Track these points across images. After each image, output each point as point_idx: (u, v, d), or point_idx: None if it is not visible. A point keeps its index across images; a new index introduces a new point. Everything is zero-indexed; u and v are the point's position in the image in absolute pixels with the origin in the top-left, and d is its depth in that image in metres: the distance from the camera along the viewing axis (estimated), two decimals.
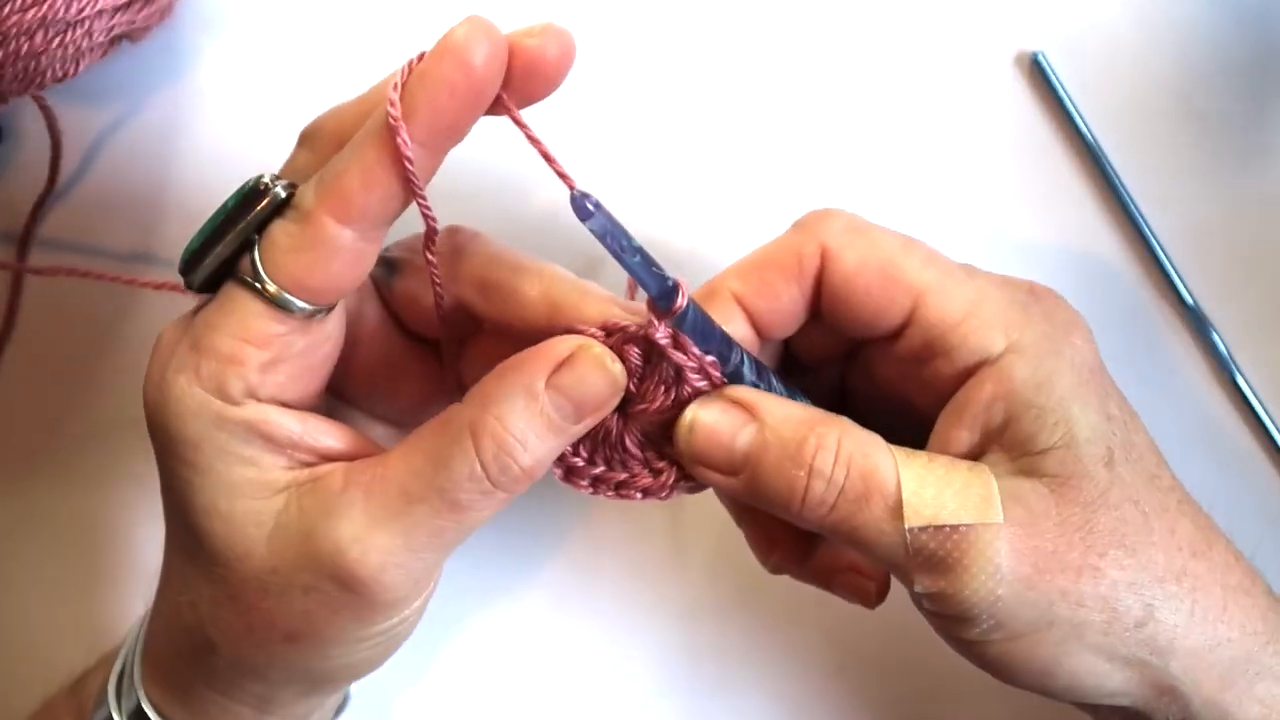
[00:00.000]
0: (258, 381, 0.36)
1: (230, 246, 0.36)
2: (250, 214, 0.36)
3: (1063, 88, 0.49)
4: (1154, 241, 0.49)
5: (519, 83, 0.34)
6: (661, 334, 0.36)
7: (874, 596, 0.40)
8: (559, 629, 0.52)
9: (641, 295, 0.36)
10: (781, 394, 0.38)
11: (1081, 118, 0.49)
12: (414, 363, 0.43)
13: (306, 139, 0.37)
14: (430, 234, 0.36)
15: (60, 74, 0.45)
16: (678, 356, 0.36)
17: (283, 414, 0.36)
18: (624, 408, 0.38)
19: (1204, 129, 0.49)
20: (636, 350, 0.36)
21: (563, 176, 0.35)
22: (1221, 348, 0.49)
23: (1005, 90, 0.50)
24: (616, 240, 0.33)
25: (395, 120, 0.33)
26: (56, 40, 0.43)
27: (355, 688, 0.48)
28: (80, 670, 0.45)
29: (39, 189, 0.51)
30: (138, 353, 0.52)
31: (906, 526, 0.35)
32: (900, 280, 0.37)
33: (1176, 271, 0.49)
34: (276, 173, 0.37)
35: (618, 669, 0.51)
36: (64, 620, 0.52)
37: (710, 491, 0.44)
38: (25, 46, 0.43)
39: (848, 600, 0.40)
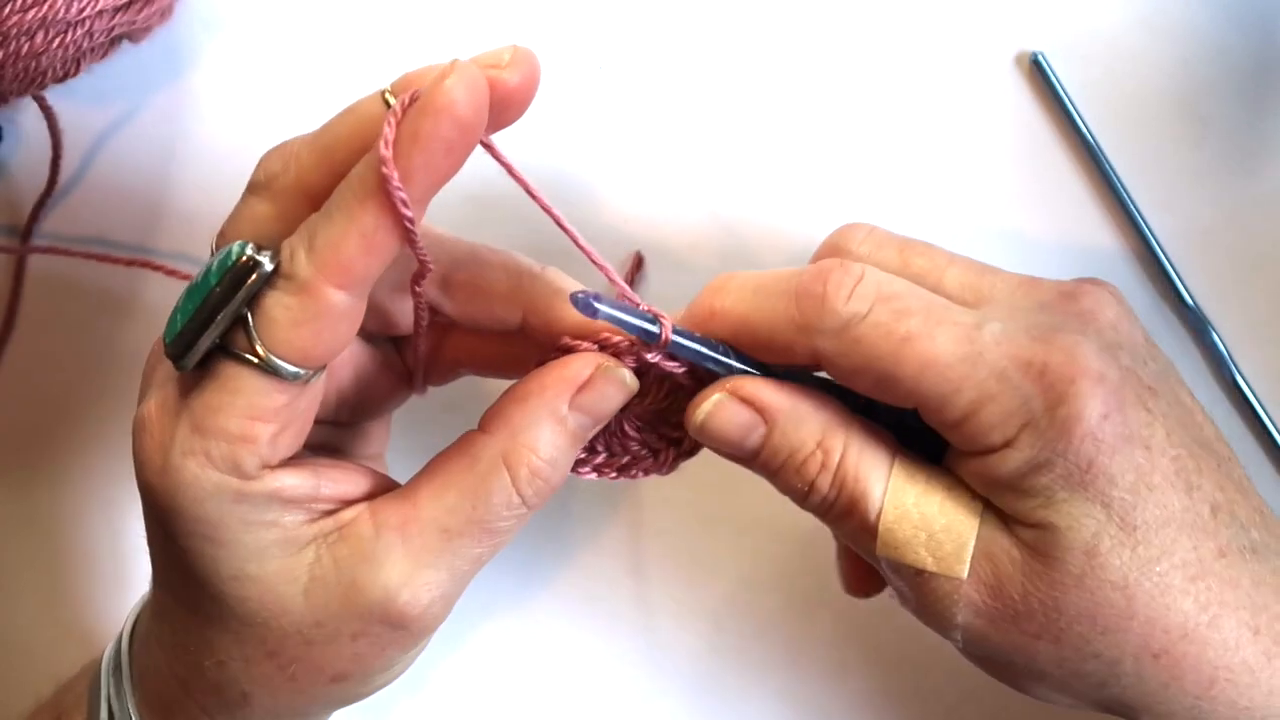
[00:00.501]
0: (269, 453, 0.36)
1: (222, 327, 0.34)
2: (240, 291, 0.34)
3: (1063, 88, 0.49)
4: (1154, 242, 0.49)
5: (496, 116, 0.34)
6: (653, 356, 0.37)
7: None
8: (558, 629, 0.52)
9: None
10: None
11: (1081, 118, 0.49)
12: (375, 365, 0.43)
13: (261, 188, 0.36)
14: (422, 271, 0.36)
15: (60, 74, 0.45)
16: (671, 366, 0.38)
17: (297, 475, 0.37)
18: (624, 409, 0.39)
19: (1204, 129, 0.49)
20: (632, 357, 0.38)
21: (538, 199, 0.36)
22: (1221, 348, 0.49)
23: (1005, 90, 0.50)
24: (612, 315, 0.35)
25: (396, 186, 0.32)
26: (57, 40, 0.43)
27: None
28: (60, 679, 0.45)
29: (39, 189, 0.51)
30: (138, 353, 0.52)
31: (877, 554, 0.36)
32: (894, 393, 0.36)
33: (1176, 271, 0.49)
34: (229, 224, 0.37)
35: (617, 670, 0.51)
36: (60, 620, 0.52)
37: (713, 494, 0.44)
38: (26, 46, 0.43)
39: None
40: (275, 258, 0.34)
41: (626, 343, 0.37)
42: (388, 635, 0.37)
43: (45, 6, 0.42)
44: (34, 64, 0.44)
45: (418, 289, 0.37)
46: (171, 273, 0.51)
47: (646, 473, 0.41)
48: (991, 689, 0.51)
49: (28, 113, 0.51)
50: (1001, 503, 0.36)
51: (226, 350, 0.35)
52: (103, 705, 0.41)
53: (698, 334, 0.38)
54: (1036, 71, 0.49)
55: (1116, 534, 0.35)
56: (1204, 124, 0.49)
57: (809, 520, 0.43)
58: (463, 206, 0.48)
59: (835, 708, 0.51)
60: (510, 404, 0.37)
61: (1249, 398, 0.49)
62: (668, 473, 0.41)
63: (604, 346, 0.38)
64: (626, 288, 0.37)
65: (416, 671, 0.51)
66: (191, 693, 0.40)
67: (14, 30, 0.42)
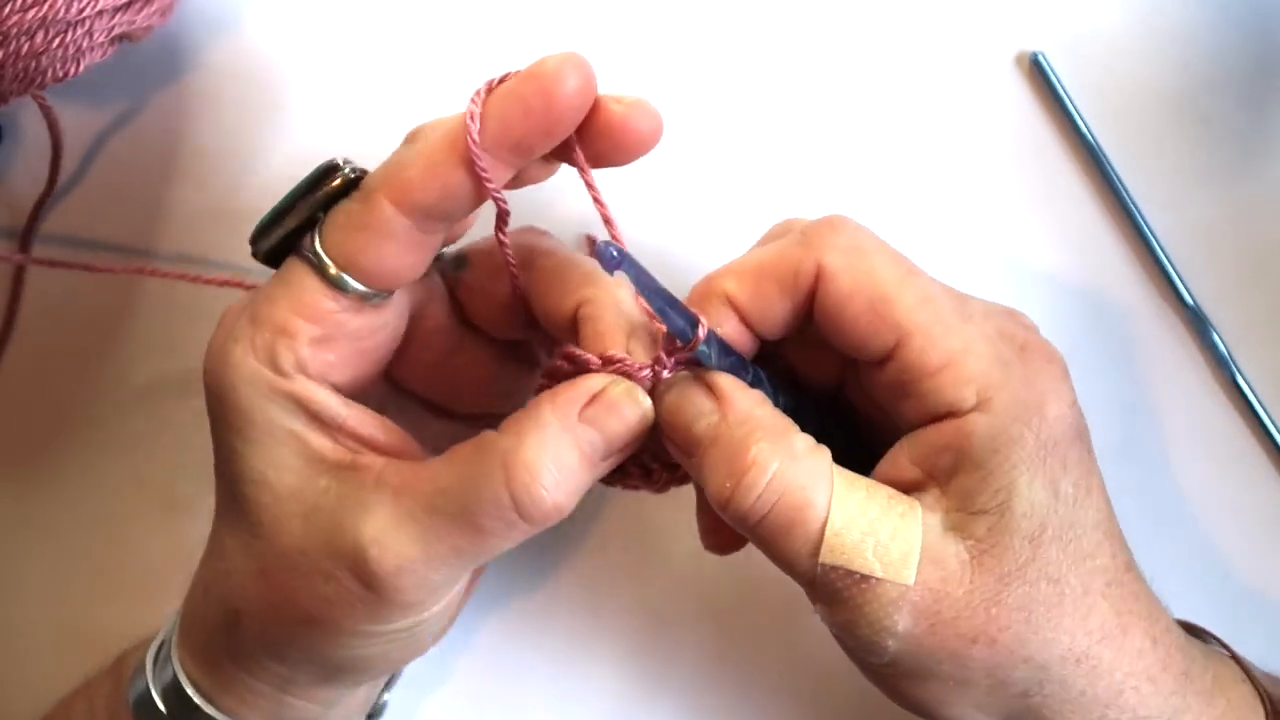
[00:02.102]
0: (308, 356, 0.37)
1: (295, 220, 0.37)
2: (318, 192, 0.37)
3: (1063, 88, 0.49)
4: (1154, 241, 0.49)
5: (594, 139, 0.36)
6: (669, 368, 0.37)
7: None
8: (557, 629, 0.52)
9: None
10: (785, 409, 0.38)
11: (1081, 118, 0.49)
12: (478, 359, 0.44)
13: (411, 138, 0.38)
14: (502, 217, 0.37)
15: (60, 74, 0.44)
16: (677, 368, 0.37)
17: (329, 394, 0.37)
18: None
19: (1205, 129, 0.49)
20: (648, 379, 0.37)
21: (612, 230, 0.37)
22: (1221, 348, 0.49)
23: (1005, 90, 0.50)
24: (641, 278, 0.35)
25: (470, 118, 0.34)
26: (57, 40, 0.43)
27: (390, 697, 0.48)
28: (89, 670, 0.45)
29: (39, 189, 0.51)
30: (138, 354, 0.52)
31: (820, 562, 0.35)
32: (887, 318, 0.36)
33: (1176, 271, 0.49)
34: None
35: (617, 669, 0.51)
36: (63, 622, 0.52)
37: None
38: (25, 46, 0.43)
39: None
40: (361, 172, 0.37)
41: (636, 365, 0.37)
42: (353, 589, 0.36)
43: (45, 6, 0.42)
44: (34, 64, 0.44)
45: (501, 236, 0.38)
46: (167, 275, 0.50)
47: (637, 489, 0.40)
48: None
49: (28, 113, 0.51)
50: (958, 486, 0.36)
51: (296, 250, 0.37)
52: (160, 635, 0.43)
53: (732, 348, 0.37)
54: (1036, 71, 0.49)
55: (1058, 526, 0.36)
56: (1204, 124, 0.49)
57: None
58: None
59: (836, 708, 0.51)
60: (524, 410, 0.37)
61: (1249, 398, 0.49)
62: (660, 492, 0.40)
63: (608, 362, 0.37)
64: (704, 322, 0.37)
65: (417, 669, 0.51)
66: (206, 606, 0.41)
67: (14, 30, 0.42)
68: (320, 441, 0.37)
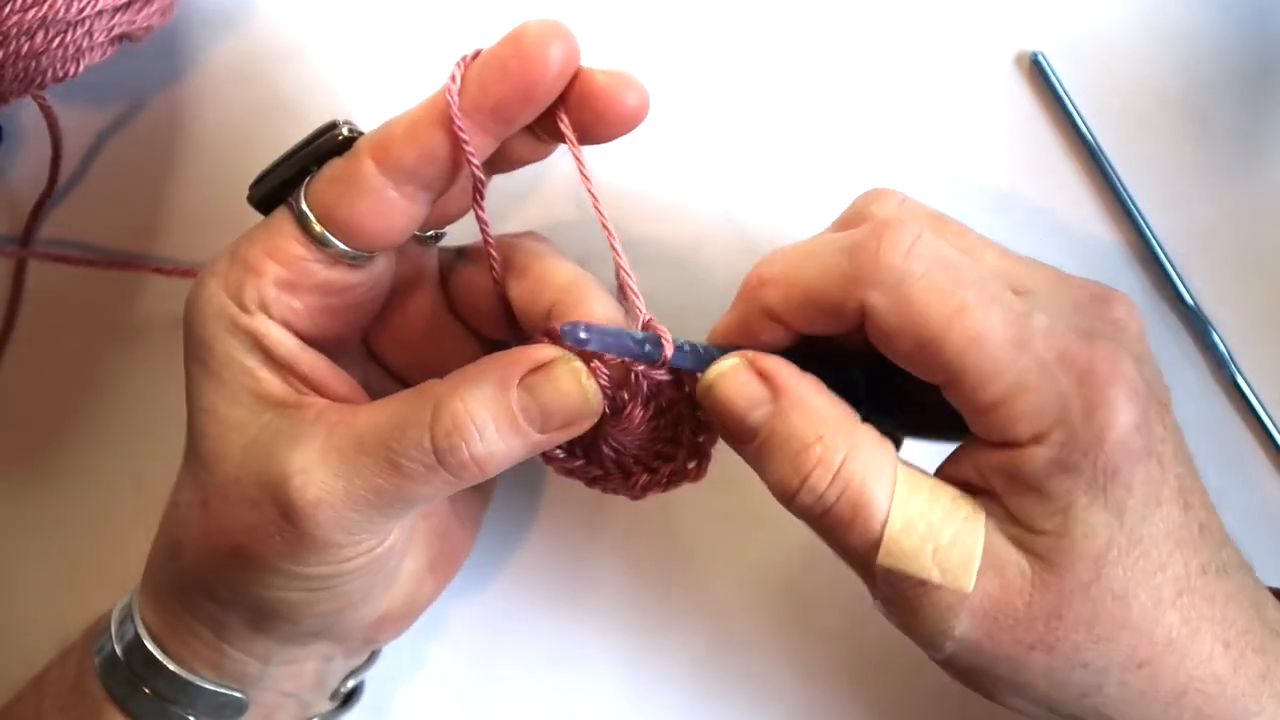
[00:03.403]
0: (272, 297, 0.38)
1: (288, 171, 0.38)
2: (312, 146, 0.38)
3: (1063, 88, 0.49)
4: (1154, 242, 0.49)
5: (576, 108, 0.37)
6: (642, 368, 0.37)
7: None
8: (556, 628, 0.52)
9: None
10: None
11: (1081, 118, 0.49)
12: (459, 347, 0.44)
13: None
14: (478, 187, 0.38)
15: (60, 74, 0.44)
16: (659, 375, 0.37)
17: (286, 334, 0.38)
18: (600, 422, 0.38)
19: (1205, 129, 0.49)
20: (606, 372, 0.37)
21: (607, 230, 0.38)
22: (1221, 348, 0.49)
23: (1005, 90, 0.50)
24: (605, 342, 0.35)
25: (451, 80, 0.36)
26: (57, 40, 0.43)
27: (366, 684, 0.48)
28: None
29: (39, 189, 0.51)
30: (138, 353, 0.52)
31: (879, 562, 0.35)
32: (935, 359, 0.35)
33: (1176, 271, 0.49)
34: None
35: (617, 668, 0.51)
36: (63, 622, 0.52)
37: (714, 493, 0.44)
38: (25, 46, 0.43)
39: None
40: (356, 133, 0.38)
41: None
42: (275, 520, 0.36)
43: (45, 6, 0.42)
44: (34, 64, 0.44)
45: (479, 210, 0.39)
46: (170, 272, 0.50)
47: (616, 492, 0.40)
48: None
49: (28, 113, 0.51)
50: (1016, 505, 0.35)
51: (284, 200, 0.38)
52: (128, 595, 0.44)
53: (715, 347, 0.37)
54: (1036, 71, 0.49)
55: (1125, 544, 0.35)
56: (1204, 124, 0.49)
57: None
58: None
59: (837, 708, 0.51)
60: (469, 366, 0.37)
61: (1249, 398, 0.49)
62: (638, 498, 0.40)
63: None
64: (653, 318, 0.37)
65: (416, 670, 0.51)
66: (158, 540, 0.42)
67: (14, 30, 0.42)
68: (270, 379, 0.38)
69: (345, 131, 0.38)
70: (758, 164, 0.50)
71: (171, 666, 0.41)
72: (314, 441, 0.36)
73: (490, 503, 0.48)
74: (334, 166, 0.38)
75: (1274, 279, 0.49)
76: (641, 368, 0.37)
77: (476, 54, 0.36)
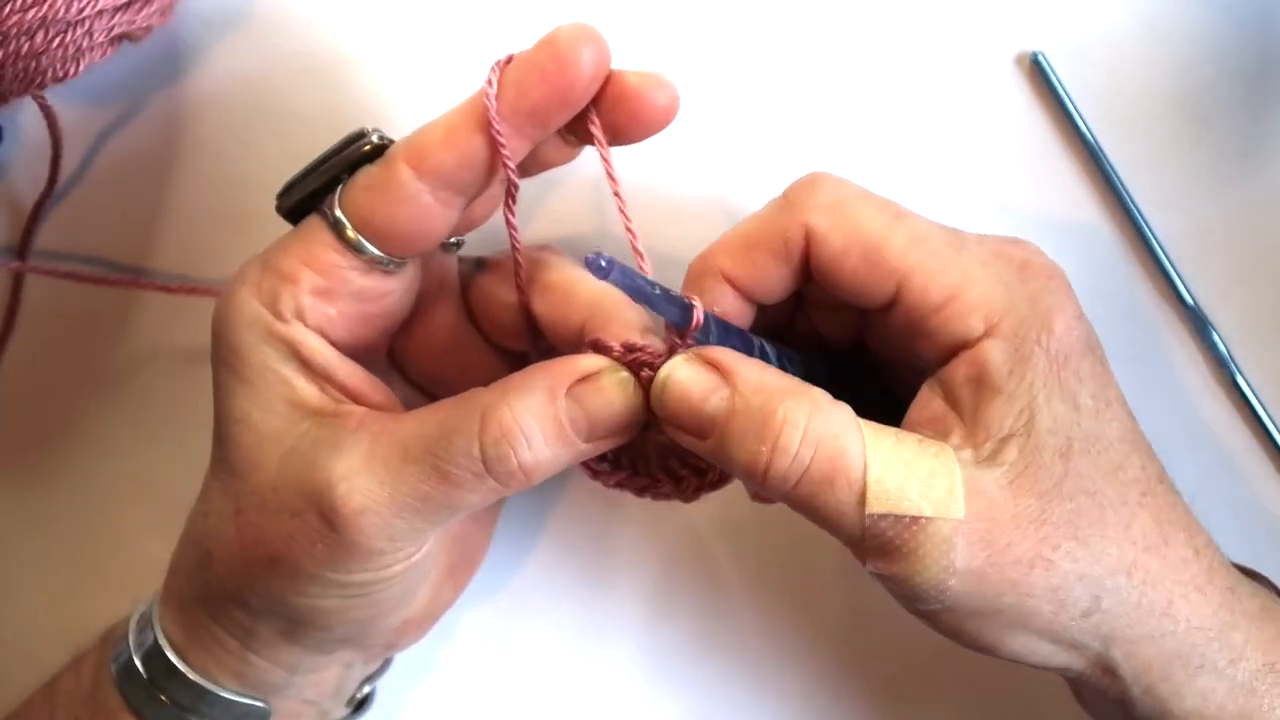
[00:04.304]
0: (309, 305, 0.38)
1: (318, 180, 0.38)
2: (343, 155, 0.38)
3: (1063, 88, 0.49)
4: (1154, 241, 0.49)
5: (610, 109, 0.37)
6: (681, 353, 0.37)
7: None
8: (554, 628, 0.52)
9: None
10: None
11: (1081, 118, 0.49)
12: (480, 359, 0.44)
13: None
14: (511, 192, 0.38)
15: (60, 74, 0.44)
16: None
17: (323, 343, 0.38)
18: (648, 426, 0.38)
19: (1204, 129, 0.49)
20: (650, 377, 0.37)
21: (624, 214, 0.38)
22: (1221, 348, 0.49)
23: (1005, 90, 0.50)
24: (632, 282, 0.35)
25: (488, 85, 0.36)
26: (57, 40, 0.43)
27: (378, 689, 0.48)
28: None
29: (39, 189, 0.51)
30: (138, 353, 0.52)
31: (868, 512, 0.35)
32: (882, 265, 0.37)
33: (1176, 271, 0.49)
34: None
35: (617, 666, 0.51)
36: (62, 621, 0.52)
37: (726, 496, 0.44)
38: (25, 46, 0.43)
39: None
40: (387, 140, 0.38)
41: (654, 351, 0.37)
42: (316, 527, 0.36)
43: (45, 6, 0.42)
44: (34, 64, 0.44)
45: (510, 214, 0.39)
46: (175, 290, 0.50)
47: (668, 498, 0.40)
48: (997, 688, 0.51)
49: (28, 113, 0.51)
50: (982, 416, 0.36)
51: (316, 208, 0.39)
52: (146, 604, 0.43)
53: (731, 324, 0.38)
54: (1036, 71, 0.49)
55: (1084, 439, 0.36)
56: (1204, 124, 0.49)
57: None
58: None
59: (837, 706, 0.51)
60: (515, 374, 0.37)
61: (1249, 398, 0.49)
62: (690, 500, 0.40)
63: (631, 350, 0.37)
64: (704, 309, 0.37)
65: (403, 661, 0.51)
66: (184, 550, 0.41)
67: (14, 30, 0.42)
68: (307, 388, 0.38)
69: (375, 139, 0.38)
70: (758, 164, 0.50)
71: (193, 676, 0.40)
72: (357, 449, 0.36)
73: (504, 505, 0.48)
74: (368, 174, 0.38)
75: (1274, 279, 0.49)
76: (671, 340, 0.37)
77: (509, 59, 0.37)
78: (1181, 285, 0.49)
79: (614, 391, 0.37)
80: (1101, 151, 0.49)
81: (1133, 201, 0.49)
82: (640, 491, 0.40)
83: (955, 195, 0.50)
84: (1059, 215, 0.50)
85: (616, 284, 0.34)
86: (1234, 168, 0.49)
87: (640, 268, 0.38)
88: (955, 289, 0.36)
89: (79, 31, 0.44)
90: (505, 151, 0.36)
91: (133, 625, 0.43)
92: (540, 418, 0.36)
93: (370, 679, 0.47)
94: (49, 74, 0.44)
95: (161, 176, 0.51)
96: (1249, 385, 0.49)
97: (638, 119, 0.37)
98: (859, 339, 0.43)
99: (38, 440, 0.53)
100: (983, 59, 0.50)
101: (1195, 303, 0.49)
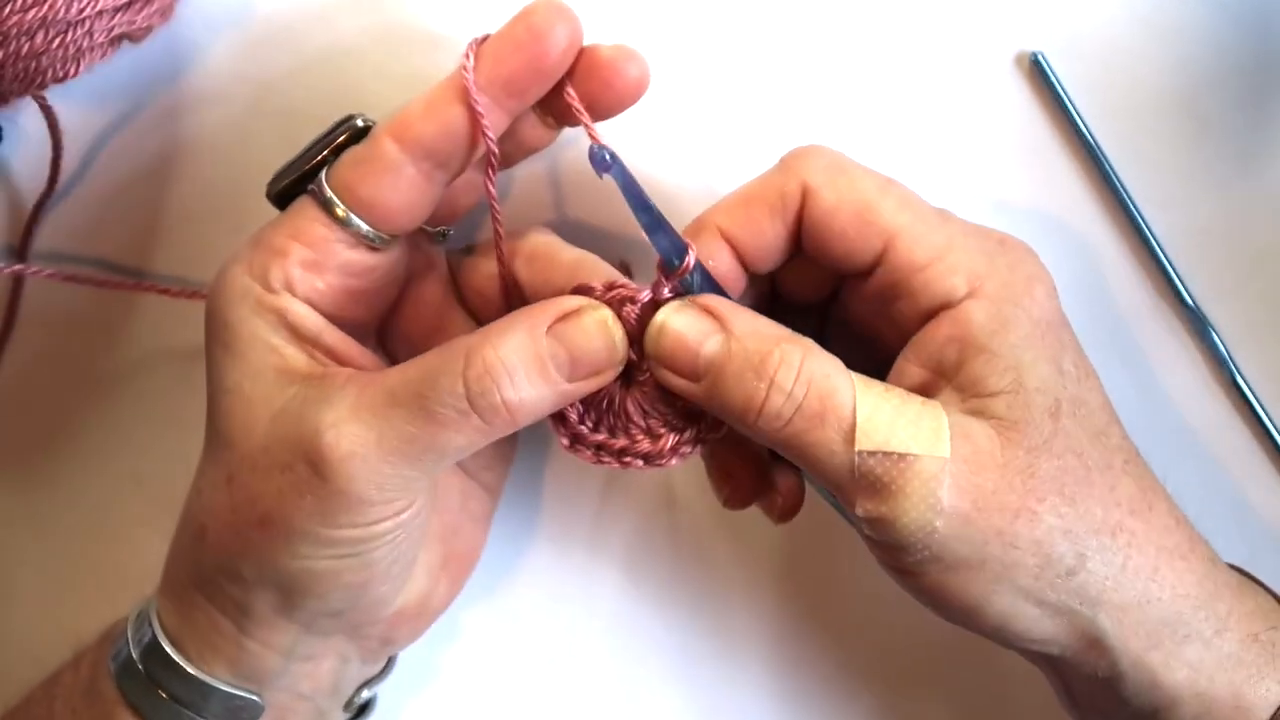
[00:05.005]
0: (298, 276, 0.39)
1: (306, 163, 0.40)
2: (331, 139, 0.40)
3: (1063, 88, 0.49)
4: (1154, 241, 0.49)
5: (584, 80, 0.39)
6: (668, 292, 0.38)
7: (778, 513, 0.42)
8: (552, 627, 0.52)
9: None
10: None
11: (1081, 118, 0.49)
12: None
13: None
14: (491, 162, 0.39)
15: (61, 74, 0.44)
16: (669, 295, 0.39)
17: (310, 311, 0.39)
18: (627, 376, 0.40)
19: (1204, 129, 0.49)
20: (636, 316, 0.39)
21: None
22: (1221, 348, 0.49)
23: (1005, 90, 0.50)
24: (633, 191, 0.37)
25: (466, 58, 0.38)
26: (57, 40, 0.43)
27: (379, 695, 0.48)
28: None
29: (39, 189, 0.51)
30: (138, 353, 0.52)
31: (857, 449, 0.36)
32: (874, 222, 0.38)
33: (1176, 271, 0.49)
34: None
35: (618, 663, 0.51)
36: (62, 621, 0.52)
37: (708, 483, 0.44)
38: (26, 46, 0.43)
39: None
40: (371, 122, 0.40)
41: (636, 288, 0.39)
42: (306, 478, 0.37)
43: (45, 6, 0.42)
44: (34, 64, 0.44)
45: (490, 184, 0.40)
46: (176, 294, 0.50)
47: (647, 460, 0.40)
48: (994, 684, 0.51)
49: (28, 113, 0.51)
50: (970, 372, 0.37)
51: (306, 190, 0.40)
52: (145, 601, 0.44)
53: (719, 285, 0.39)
54: (1036, 71, 0.49)
55: (1071, 402, 0.37)
56: (1204, 124, 0.49)
57: (808, 514, 0.43)
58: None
59: (836, 706, 0.51)
60: (499, 319, 0.39)
61: (1249, 398, 0.49)
62: (666, 463, 0.40)
63: (609, 288, 0.39)
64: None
65: (404, 665, 0.51)
66: (179, 531, 0.42)
67: (14, 30, 0.42)
68: (296, 355, 0.39)
69: (360, 123, 0.40)
70: (757, 164, 0.50)
71: (188, 668, 0.41)
72: (344, 400, 0.37)
73: (499, 501, 0.48)
74: (354, 152, 0.39)
75: (1273, 279, 0.49)
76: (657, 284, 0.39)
77: (486, 37, 0.38)
78: (1181, 285, 0.49)
79: (594, 328, 0.38)
80: (1101, 151, 0.49)
81: (1132, 201, 0.49)
82: (619, 455, 0.40)
83: (955, 194, 0.50)
84: (1058, 214, 0.50)
85: (618, 180, 0.36)
86: (1234, 167, 0.49)
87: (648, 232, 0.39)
88: (940, 250, 0.38)
89: (79, 31, 0.44)
90: (485, 121, 0.38)
91: (131, 620, 0.43)
92: (522, 354, 0.37)
93: (370, 683, 0.47)
94: (49, 74, 0.44)
95: (161, 176, 0.51)
96: (1248, 385, 0.49)
97: (611, 90, 0.39)
98: (826, 302, 0.44)
99: (38, 441, 0.53)
100: (982, 59, 0.50)
101: (1195, 303, 0.49)
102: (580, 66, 0.39)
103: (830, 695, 0.51)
